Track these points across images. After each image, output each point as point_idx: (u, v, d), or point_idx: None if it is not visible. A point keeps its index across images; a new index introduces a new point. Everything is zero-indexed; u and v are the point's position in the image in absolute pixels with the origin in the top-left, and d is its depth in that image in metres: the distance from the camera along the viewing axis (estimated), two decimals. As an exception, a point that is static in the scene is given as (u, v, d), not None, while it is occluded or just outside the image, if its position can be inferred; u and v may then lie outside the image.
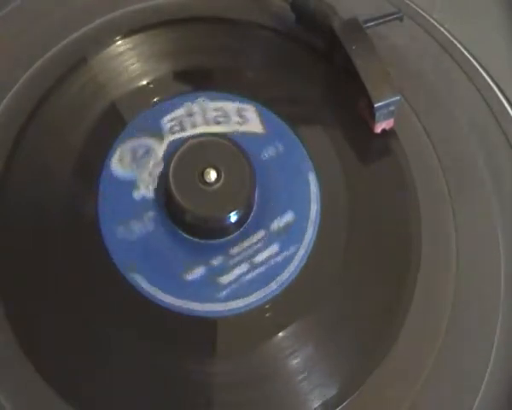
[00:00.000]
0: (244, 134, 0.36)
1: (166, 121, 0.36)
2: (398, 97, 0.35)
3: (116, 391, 0.31)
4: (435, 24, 0.40)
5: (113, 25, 0.39)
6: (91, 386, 0.31)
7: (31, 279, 0.32)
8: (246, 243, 0.33)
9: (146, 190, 0.34)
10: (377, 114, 0.35)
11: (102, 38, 0.38)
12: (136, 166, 0.35)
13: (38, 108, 0.36)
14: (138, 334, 0.31)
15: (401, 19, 0.38)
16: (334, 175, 0.36)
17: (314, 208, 0.34)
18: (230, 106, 0.36)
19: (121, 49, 0.38)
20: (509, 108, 0.38)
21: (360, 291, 0.33)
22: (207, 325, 0.32)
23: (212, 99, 0.37)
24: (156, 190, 0.34)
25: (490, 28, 0.43)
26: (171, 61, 0.38)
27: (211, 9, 0.39)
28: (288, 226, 0.34)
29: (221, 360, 0.32)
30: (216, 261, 0.33)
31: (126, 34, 0.38)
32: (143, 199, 0.34)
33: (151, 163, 0.35)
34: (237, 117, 0.36)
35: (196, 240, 0.33)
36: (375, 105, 0.35)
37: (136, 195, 0.34)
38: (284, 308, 0.32)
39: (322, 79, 0.39)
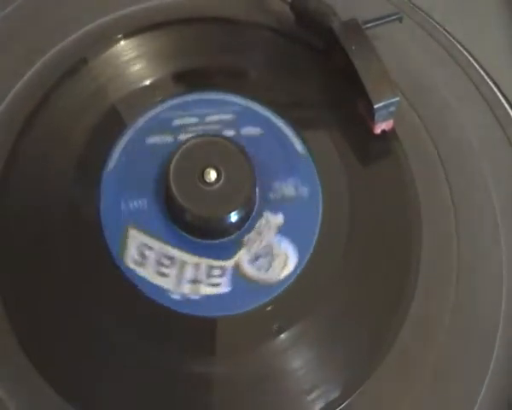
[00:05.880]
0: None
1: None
2: (398, 98, 0.35)
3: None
4: (435, 24, 0.40)
5: (113, 25, 0.39)
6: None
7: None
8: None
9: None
10: (377, 115, 0.35)
11: (103, 39, 0.38)
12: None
13: (39, 109, 0.36)
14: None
15: (401, 20, 0.38)
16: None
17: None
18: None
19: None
20: (508, 108, 0.38)
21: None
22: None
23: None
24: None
25: (490, 28, 0.43)
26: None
27: (211, 10, 0.39)
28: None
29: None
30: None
31: (127, 35, 0.38)
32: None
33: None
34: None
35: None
36: (375, 106, 0.35)
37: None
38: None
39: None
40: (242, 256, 0.33)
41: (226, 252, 0.33)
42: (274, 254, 0.33)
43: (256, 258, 0.33)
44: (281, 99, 0.37)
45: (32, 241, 0.33)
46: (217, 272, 0.33)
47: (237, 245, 0.33)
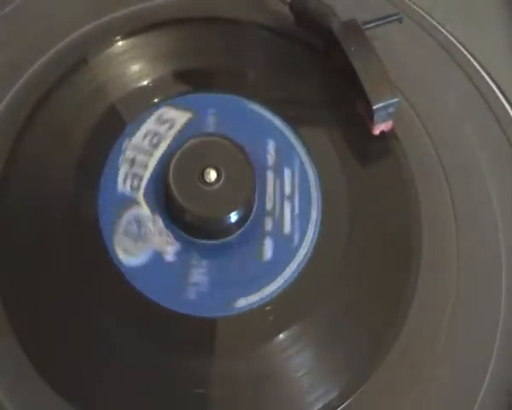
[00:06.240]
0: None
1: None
2: (397, 99, 0.35)
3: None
4: (435, 24, 0.40)
5: (113, 25, 0.39)
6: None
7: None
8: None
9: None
10: (376, 116, 0.35)
11: (103, 39, 0.38)
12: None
13: (38, 109, 0.36)
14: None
15: (400, 20, 0.38)
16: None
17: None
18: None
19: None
20: (508, 108, 0.38)
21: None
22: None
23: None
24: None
25: (490, 28, 0.43)
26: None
27: (210, 10, 0.39)
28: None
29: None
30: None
31: (127, 35, 0.38)
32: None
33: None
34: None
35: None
36: (374, 107, 0.35)
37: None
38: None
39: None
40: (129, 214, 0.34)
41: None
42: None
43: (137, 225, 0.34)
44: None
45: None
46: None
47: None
